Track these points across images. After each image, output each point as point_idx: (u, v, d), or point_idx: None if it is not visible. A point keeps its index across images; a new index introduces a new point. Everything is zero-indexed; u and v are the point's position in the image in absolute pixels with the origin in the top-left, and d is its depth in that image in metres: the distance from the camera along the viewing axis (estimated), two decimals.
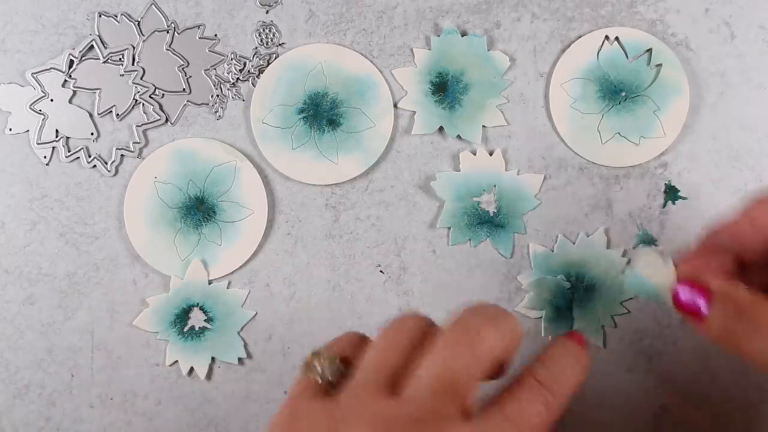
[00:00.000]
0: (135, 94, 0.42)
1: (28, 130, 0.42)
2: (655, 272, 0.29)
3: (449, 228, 0.42)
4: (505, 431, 0.29)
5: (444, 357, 0.29)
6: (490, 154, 0.42)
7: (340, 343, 0.33)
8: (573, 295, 0.42)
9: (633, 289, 0.31)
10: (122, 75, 0.42)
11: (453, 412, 0.29)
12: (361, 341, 0.33)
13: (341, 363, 0.32)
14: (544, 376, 0.31)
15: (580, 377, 0.33)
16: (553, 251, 0.42)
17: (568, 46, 0.43)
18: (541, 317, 0.42)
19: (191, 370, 0.42)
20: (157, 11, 0.43)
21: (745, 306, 0.27)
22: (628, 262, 0.42)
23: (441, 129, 0.43)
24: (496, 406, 0.30)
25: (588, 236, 0.42)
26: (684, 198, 0.43)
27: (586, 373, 0.33)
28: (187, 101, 0.43)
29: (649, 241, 0.42)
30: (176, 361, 0.42)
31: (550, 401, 0.31)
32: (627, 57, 0.43)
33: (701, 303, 0.28)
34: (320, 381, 0.31)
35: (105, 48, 0.42)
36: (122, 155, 0.42)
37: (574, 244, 0.42)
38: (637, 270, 0.29)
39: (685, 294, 0.28)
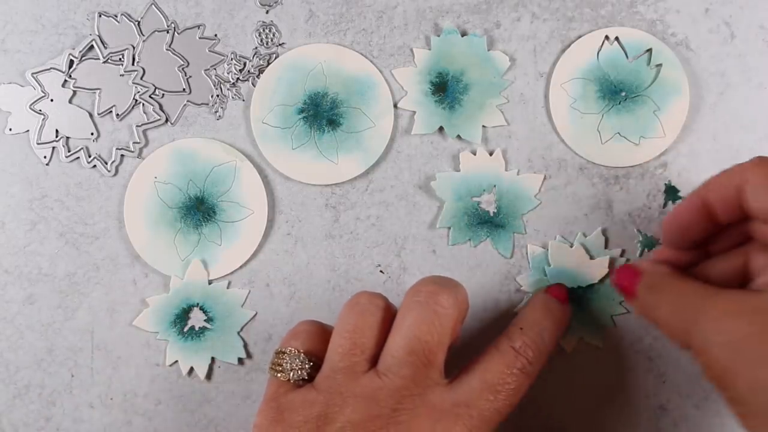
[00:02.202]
0: (135, 94, 0.42)
1: (28, 130, 0.42)
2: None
3: (449, 228, 0.42)
4: (484, 395, 0.30)
5: (411, 327, 0.31)
6: (490, 154, 0.42)
7: (299, 336, 0.33)
8: (572, 296, 0.42)
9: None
10: (122, 75, 0.42)
11: (431, 378, 0.30)
12: (320, 330, 0.34)
13: (306, 356, 0.32)
14: (520, 342, 0.33)
15: (559, 331, 0.35)
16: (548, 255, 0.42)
17: (568, 46, 0.43)
18: None
19: (191, 370, 0.42)
20: (157, 11, 0.43)
21: (657, 280, 0.31)
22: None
23: (441, 129, 0.43)
24: (475, 370, 0.31)
25: (586, 236, 0.42)
26: (684, 198, 0.43)
27: (565, 327, 0.35)
28: (187, 101, 0.43)
29: (650, 244, 0.42)
30: (176, 361, 0.42)
31: (526, 366, 0.32)
32: (627, 57, 0.43)
33: (634, 282, 0.32)
34: (290, 379, 0.31)
35: (105, 48, 0.42)
36: (122, 155, 0.42)
37: (571, 246, 0.42)
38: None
39: (621, 274, 0.33)
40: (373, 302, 0.33)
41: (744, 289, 0.31)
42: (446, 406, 0.30)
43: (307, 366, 0.32)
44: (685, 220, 0.33)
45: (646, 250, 0.42)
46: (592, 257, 0.42)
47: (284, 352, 0.33)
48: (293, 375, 0.32)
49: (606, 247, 0.42)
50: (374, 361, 0.31)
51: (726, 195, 0.31)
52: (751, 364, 0.26)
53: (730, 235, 0.33)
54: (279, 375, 0.32)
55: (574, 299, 0.42)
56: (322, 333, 0.34)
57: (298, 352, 0.32)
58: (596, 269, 0.42)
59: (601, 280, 0.42)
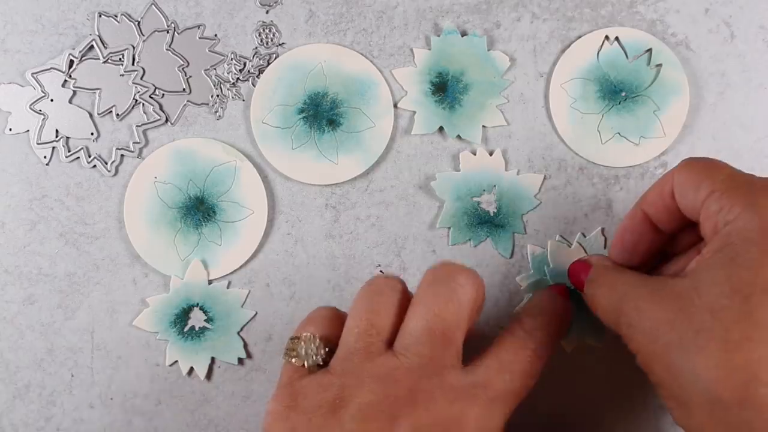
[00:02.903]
0: (135, 94, 0.42)
1: (28, 130, 0.42)
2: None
3: (449, 228, 0.42)
4: (501, 376, 0.30)
5: (430, 305, 0.30)
6: (490, 154, 0.42)
7: (315, 322, 0.33)
8: (572, 297, 0.42)
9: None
10: (122, 75, 0.42)
11: (449, 358, 0.30)
12: (335, 315, 0.33)
13: (322, 341, 0.31)
14: (530, 325, 0.33)
15: (564, 325, 0.35)
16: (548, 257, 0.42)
17: (568, 46, 0.43)
18: None
19: (191, 370, 0.42)
20: (157, 11, 0.43)
21: (599, 273, 0.33)
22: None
23: (441, 129, 0.43)
24: (490, 354, 0.31)
25: (585, 237, 0.42)
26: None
27: (568, 323, 0.35)
28: (187, 101, 0.43)
29: None
30: (176, 361, 0.42)
31: (538, 348, 0.32)
32: (627, 57, 0.43)
33: (583, 275, 0.34)
34: (306, 365, 0.31)
35: (105, 48, 0.42)
36: (122, 155, 0.42)
37: (571, 246, 0.42)
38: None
39: (573, 268, 0.36)
40: (390, 284, 0.32)
41: (667, 276, 0.31)
42: (464, 386, 0.29)
43: (322, 351, 0.31)
44: (631, 237, 0.34)
45: None
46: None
47: (299, 338, 0.32)
48: (309, 361, 0.31)
49: (605, 247, 0.42)
50: (390, 343, 0.30)
51: (661, 204, 0.32)
52: (666, 348, 0.26)
53: (687, 238, 0.34)
54: (294, 360, 0.31)
55: (573, 300, 0.42)
56: (339, 318, 0.33)
57: (314, 337, 0.32)
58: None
59: None
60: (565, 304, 0.36)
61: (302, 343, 0.31)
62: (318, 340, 0.31)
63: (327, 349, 0.31)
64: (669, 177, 0.31)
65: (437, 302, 0.30)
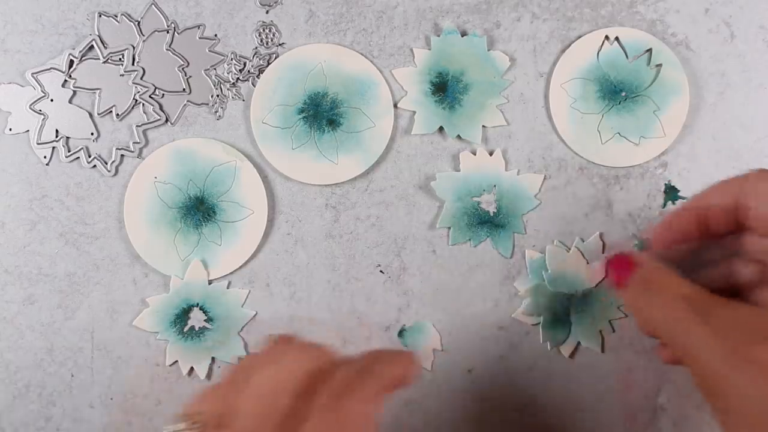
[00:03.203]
0: (135, 94, 0.42)
1: (28, 130, 0.42)
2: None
3: (449, 228, 0.42)
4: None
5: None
6: (490, 154, 0.42)
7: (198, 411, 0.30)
8: (570, 301, 0.42)
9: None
10: (122, 75, 0.42)
11: None
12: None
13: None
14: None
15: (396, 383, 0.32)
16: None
17: (568, 46, 0.43)
18: (539, 323, 0.42)
19: (191, 370, 0.42)
20: (157, 11, 0.43)
21: (654, 276, 0.30)
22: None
23: (441, 129, 0.43)
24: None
25: (584, 241, 0.42)
26: (684, 198, 0.43)
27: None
28: (187, 101, 0.43)
29: (647, 247, 0.42)
30: (176, 361, 0.42)
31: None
32: (627, 57, 0.43)
33: (627, 273, 0.31)
34: None
35: (105, 48, 0.42)
36: (122, 155, 0.42)
37: (569, 251, 0.42)
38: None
39: (616, 263, 0.32)
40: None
41: (744, 303, 0.30)
42: None
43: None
44: (679, 230, 0.33)
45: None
46: (589, 262, 0.42)
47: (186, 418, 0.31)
48: None
49: (604, 251, 0.42)
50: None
51: (724, 206, 0.31)
52: (749, 378, 0.26)
53: (715, 246, 0.33)
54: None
55: (572, 303, 0.42)
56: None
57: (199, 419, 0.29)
58: (594, 274, 0.42)
59: (599, 285, 0.42)
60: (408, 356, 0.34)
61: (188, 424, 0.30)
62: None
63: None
64: (740, 182, 0.30)
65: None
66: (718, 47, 0.43)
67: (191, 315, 0.42)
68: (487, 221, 0.42)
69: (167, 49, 0.43)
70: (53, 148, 0.42)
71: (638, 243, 0.42)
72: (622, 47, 0.43)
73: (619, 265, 0.32)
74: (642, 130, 0.42)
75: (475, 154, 0.42)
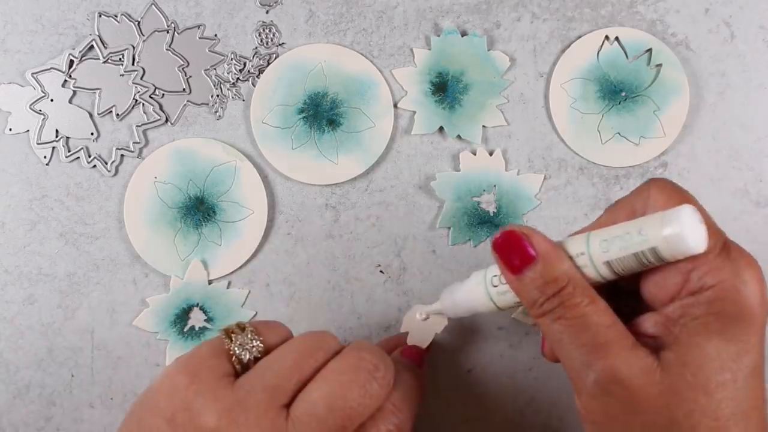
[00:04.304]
0: (135, 94, 0.42)
1: (28, 130, 0.42)
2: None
3: (449, 228, 0.42)
4: None
5: (340, 386, 0.28)
6: (490, 154, 0.42)
7: (268, 330, 0.30)
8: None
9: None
10: (122, 75, 0.42)
11: None
12: (288, 334, 0.31)
13: (259, 346, 0.29)
14: (398, 399, 0.30)
15: (421, 397, 0.33)
16: None
17: (568, 46, 0.43)
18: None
19: None
20: (157, 11, 0.43)
21: (571, 289, 0.28)
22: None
23: (441, 129, 0.43)
24: (360, 430, 0.29)
25: None
26: None
27: (421, 391, 0.33)
28: (187, 101, 0.43)
29: None
30: None
31: (402, 424, 0.30)
32: (627, 57, 0.43)
33: (526, 260, 0.28)
34: (234, 356, 0.29)
35: (105, 48, 0.42)
36: (122, 155, 0.42)
37: None
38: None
39: (507, 240, 0.29)
40: (327, 345, 0.30)
41: (647, 345, 0.27)
42: None
43: (254, 353, 0.29)
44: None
45: None
46: None
47: (245, 329, 0.30)
48: (236, 350, 0.29)
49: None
50: (295, 398, 0.28)
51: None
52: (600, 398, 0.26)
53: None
54: (227, 342, 0.29)
55: None
56: (287, 337, 0.31)
57: (256, 337, 0.29)
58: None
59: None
60: (421, 374, 0.34)
61: (246, 335, 0.30)
62: (260, 343, 0.30)
63: (258, 356, 0.29)
64: (639, 199, 0.28)
65: (348, 385, 0.28)
66: (718, 47, 0.43)
67: (191, 315, 0.42)
68: (487, 221, 0.42)
69: (167, 49, 0.43)
70: (53, 148, 0.42)
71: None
72: (622, 47, 0.43)
73: (511, 245, 0.29)
74: (642, 130, 0.42)
75: (475, 154, 0.42)
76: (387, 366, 0.29)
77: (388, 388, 0.29)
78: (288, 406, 0.28)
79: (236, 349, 0.29)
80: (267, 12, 0.43)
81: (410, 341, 0.36)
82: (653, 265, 0.27)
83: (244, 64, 0.43)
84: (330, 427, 0.27)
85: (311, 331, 0.31)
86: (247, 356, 0.29)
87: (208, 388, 0.27)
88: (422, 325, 0.37)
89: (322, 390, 0.28)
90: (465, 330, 0.42)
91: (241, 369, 0.29)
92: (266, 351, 0.30)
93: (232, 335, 0.30)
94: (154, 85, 0.42)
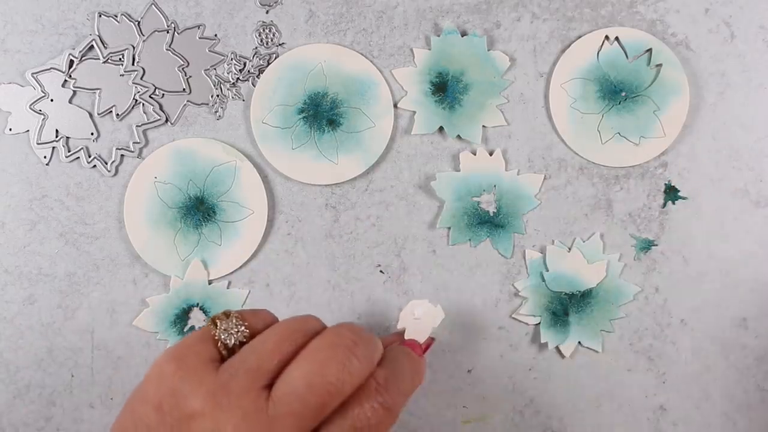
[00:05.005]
0: (135, 94, 0.42)
1: (28, 130, 0.42)
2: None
3: (449, 228, 0.42)
4: None
5: (319, 365, 0.28)
6: (490, 154, 0.42)
7: (254, 317, 0.31)
8: (570, 301, 0.42)
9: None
10: (122, 75, 0.42)
11: (312, 421, 0.28)
12: (272, 319, 0.31)
13: (247, 331, 0.30)
14: (383, 377, 0.30)
15: (417, 381, 0.33)
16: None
17: (568, 46, 0.43)
18: (539, 323, 0.42)
19: None
20: (157, 11, 0.43)
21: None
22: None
23: (441, 129, 0.43)
24: (341, 410, 0.29)
25: (584, 241, 0.42)
26: (684, 198, 0.43)
27: (422, 379, 0.33)
28: (187, 101, 0.43)
29: (647, 246, 0.42)
30: None
31: (390, 402, 0.30)
32: (627, 57, 0.43)
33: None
34: (220, 341, 0.29)
35: (105, 48, 0.42)
36: (122, 155, 0.42)
37: (569, 251, 0.42)
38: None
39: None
40: (310, 327, 0.30)
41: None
42: None
43: (239, 339, 0.30)
44: None
45: (642, 253, 0.42)
46: (589, 262, 0.42)
47: (229, 316, 0.31)
48: (224, 339, 0.30)
49: (604, 251, 0.42)
50: (276, 378, 0.29)
51: None
52: None
53: None
54: (213, 330, 0.30)
55: (572, 303, 0.42)
56: (271, 322, 0.32)
57: (240, 323, 0.30)
58: (594, 274, 0.42)
59: (599, 285, 0.42)
60: (420, 361, 0.35)
61: (231, 322, 0.30)
62: (245, 328, 0.30)
63: (243, 341, 0.30)
64: None
65: (326, 362, 0.28)
66: (718, 47, 0.43)
67: (191, 315, 0.42)
68: (487, 221, 0.42)
69: (167, 49, 0.43)
70: (53, 148, 0.42)
71: (637, 243, 0.42)
72: (622, 47, 0.43)
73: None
74: (642, 130, 0.42)
75: (475, 154, 0.42)
76: (367, 342, 0.30)
77: (370, 365, 0.29)
78: (270, 387, 0.28)
79: (221, 334, 0.30)
80: (267, 12, 0.43)
81: (407, 336, 0.37)
82: None
83: (244, 64, 0.43)
84: (310, 405, 0.27)
85: (295, 316, 0.31)
86: (232, 341, 0.30)
87: (193, 373, 0.28)
88: (417, 322, 0.37)
89: (301, 369, 0.28)
90: (465, 330, 0.42)
91: (227, 354, 0.29)
92: (251, 336, 0.30)
93: (218, 321, 0.30)
94: (154, 85, 0.42)
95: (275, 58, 0.43)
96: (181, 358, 0.28)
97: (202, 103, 0.43)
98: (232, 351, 0.30)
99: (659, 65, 0.42)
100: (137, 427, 0.28)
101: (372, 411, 0.29)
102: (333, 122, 0.42)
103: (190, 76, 0.43)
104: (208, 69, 0.43)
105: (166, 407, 0.27)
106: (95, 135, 0.42)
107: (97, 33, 0.42)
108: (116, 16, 0.42)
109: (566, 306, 0.42)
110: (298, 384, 0.28)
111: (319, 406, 0.28)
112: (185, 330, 0.42)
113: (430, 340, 0.37)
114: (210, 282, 0.42)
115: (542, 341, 0.42)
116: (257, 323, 0.31)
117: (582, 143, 0.42)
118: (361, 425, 0.29)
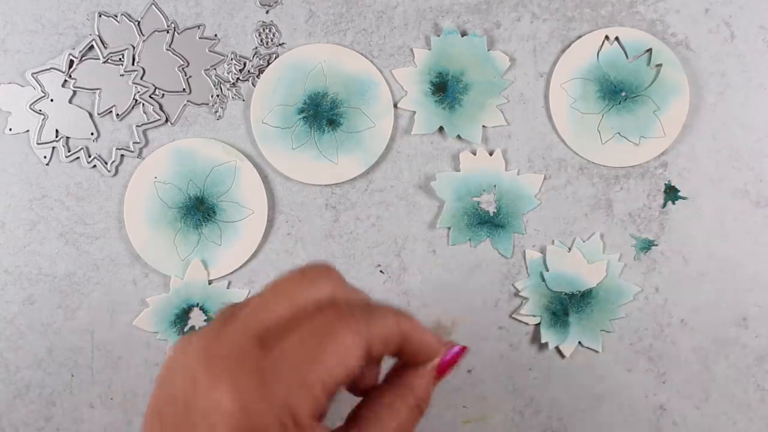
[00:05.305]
0: (135, 94, 0.42)
1: (28, 130, 0.42)
2: None
3: (449, 228, 0.42)
4: None
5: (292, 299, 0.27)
6: (490, 154, 0.42)
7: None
8: (570, 301, 0.42)
9: None
10: (122, 75, 0.42)
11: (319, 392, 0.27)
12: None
13: None
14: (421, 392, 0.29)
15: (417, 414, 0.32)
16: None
17: (568, 46, 0.43)
18: (539, 323, 0.42)
19: None
20: (157, 11, 0.43)
21: None
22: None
23: (441, 129, 0.43)
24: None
25: (584, 241, 0.42)
26: (684, 198, 0.43)
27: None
28: (187, 101, 0.43)
29: (647, 246, 0.42)
30: None
31: (423, 409, 0.30)
32: (627, 57, 0.43)
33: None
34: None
35: (105, 48, 0.42)
36: (122, 155, 0.42)
37: (569, 251, 0.42)
38: None
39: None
40: (327, 277, 0.30)
41: None
42: None
43: None
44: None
45: (642, 253, 0.42)
46: (589, 262, 0.42)
47: None
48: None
49: (604, 251, 0.42)
50: (277, 333, 0.27)
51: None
52: None
53: None
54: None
55: (572, 303, 0.42)
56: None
57: None
58: (594, 274, 0.42)
59: (599, 285, 0.42)
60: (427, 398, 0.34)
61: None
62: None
63: None
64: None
65: (287, 280, 0.28)
66: (718, 47, 0.43)
67: (191, 315, 0.42)
68: (487, 221, 0.42)
69: (167, 49, 0.43)
70: (53, 148, 0.42)
71: (637, 243, 0.42)
72: (622, 47, 0.43)
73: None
74: (642, 130, 0.42)
75: (475, 154, 0.42)
76: (318, 264, 0.29)
77: (333, 285, 0.28)
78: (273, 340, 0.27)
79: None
80: (267, 12, 0.43)
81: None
82: None
83: (244, 64, 0.43)
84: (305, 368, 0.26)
85: (305, 269, 0.30)
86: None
87: (199, 345, 0.27)
88: None
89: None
90: (465, 330, 0.42)
91: None
92: None
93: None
94: (154, 85, 0.42)
95: (275, 58, 0.43)
96: (189, 338, 0.27)
97: (202, 103, 0.43)
98: None
99: (659, 65, 0.42)
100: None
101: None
102: (333, 122, 0.42)
103: (190, 76, 0.43)
104: (208, 69, 0.43)
105: (177, 382, 0.26)
106: (95, 135, 0.42)
107: (97, 33, 0.42)
108: (116, 16, 0.42)
109: (566, 306, 0.42)
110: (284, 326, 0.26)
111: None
112: (185, 330, 0.42)
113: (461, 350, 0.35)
114: (210, 282, 0.42)
115: (542, 341, 0.42)
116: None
117: (582, 143, 0.42)
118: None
